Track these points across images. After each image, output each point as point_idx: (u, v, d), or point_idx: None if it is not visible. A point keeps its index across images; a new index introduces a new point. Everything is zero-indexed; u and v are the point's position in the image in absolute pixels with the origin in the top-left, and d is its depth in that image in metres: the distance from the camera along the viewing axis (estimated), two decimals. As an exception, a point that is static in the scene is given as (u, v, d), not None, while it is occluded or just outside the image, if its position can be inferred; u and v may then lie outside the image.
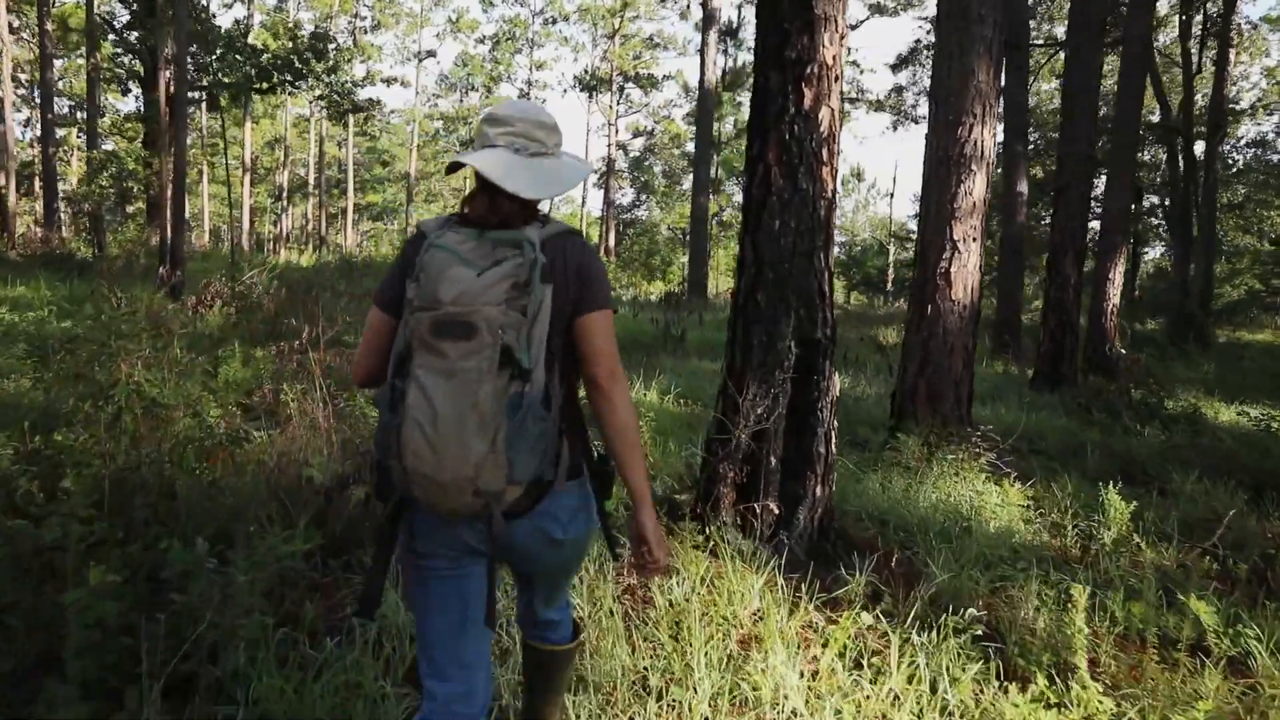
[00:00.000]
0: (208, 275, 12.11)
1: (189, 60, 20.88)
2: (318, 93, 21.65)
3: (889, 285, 39.53)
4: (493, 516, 1.61)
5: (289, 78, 21.56)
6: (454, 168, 1.89)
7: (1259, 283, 39.91)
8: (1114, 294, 10.81)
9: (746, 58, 29.51)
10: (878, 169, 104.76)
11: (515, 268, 1.60)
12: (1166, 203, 20.98)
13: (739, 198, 33.03)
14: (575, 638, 2.21)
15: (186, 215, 15.68)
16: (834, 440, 4.03)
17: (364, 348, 1.83)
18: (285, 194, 42.38)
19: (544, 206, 1.88)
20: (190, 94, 22.28)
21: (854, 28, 32.63)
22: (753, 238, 3.89)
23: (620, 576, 3.36)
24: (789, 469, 3.96)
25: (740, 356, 3.95)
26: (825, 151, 3.80)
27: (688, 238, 42.89)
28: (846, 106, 35.98)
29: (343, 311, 9.97)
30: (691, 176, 43.17)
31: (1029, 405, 8.35)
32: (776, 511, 3.93)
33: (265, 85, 21.84)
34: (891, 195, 51.22)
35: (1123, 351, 11.40)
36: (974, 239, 6.16)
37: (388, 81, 21.79)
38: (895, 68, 19.63)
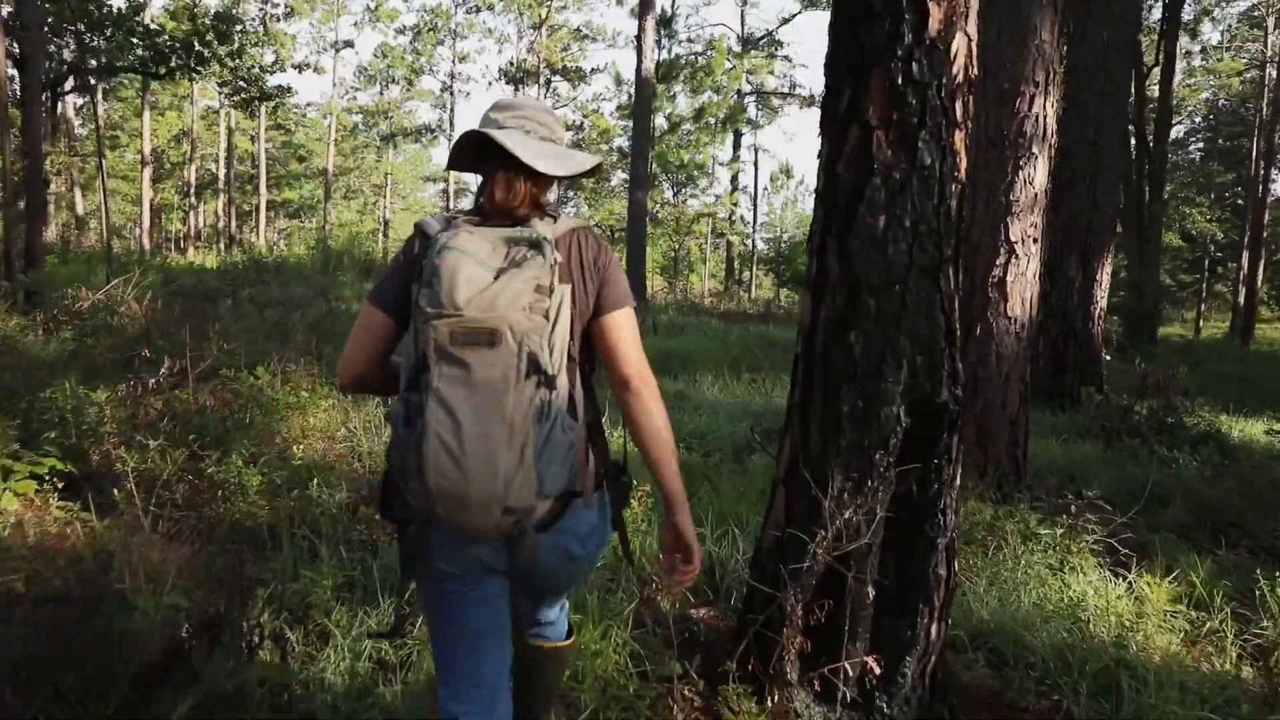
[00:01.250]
0: (81, 283, 10.14)
1: (66, 41, 18.58)
2: (221, 79, 19.42)
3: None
4: (524, 534, 1.49)
5: (189, 62, 19.37)
6: (456, 159, 1.74)
7: (1168, 278, 40.73)
8: (1101, 298, 9.72)
9: (680, 50, 28.15)
10: (806, 167, 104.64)
11: (536, 269, 1.49)
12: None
13: (673, 195, 31.64)
14: (569, 637, 2.11)
15: (50, 209, 13.50)
16: (956, 555, 2.59)
17: (355, 348, 1.67)
18: (193, 190, 39.39)
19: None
20: (76, 80, 19.92)
21: (786, 21, 31.59)
22: (840, 245, 2.42)
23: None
24: (890, 601, 2.53)
25: (818, 431, 2.49)
26: (958, 108, 2.36)
27: (620, 236, 41.62)
28: (776, 102, 35.10)
29: (246, 326, 8.21)
30: (627, 172, 41.95)
31: (1043, 429, 7.13)
32: (876, 670, 2.48)
33: (163, 70, 19.63)
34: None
35: (1108, 359, 10.34)
36: (1034, 239, 4.84)
37: (299, 68, 19.74)
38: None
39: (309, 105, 46.31)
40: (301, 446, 4.61)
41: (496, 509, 1.45)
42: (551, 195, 1.78)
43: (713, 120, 27.45)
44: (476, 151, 1.71)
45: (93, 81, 16.04)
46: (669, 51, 26.77)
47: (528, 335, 1.46)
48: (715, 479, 4.59)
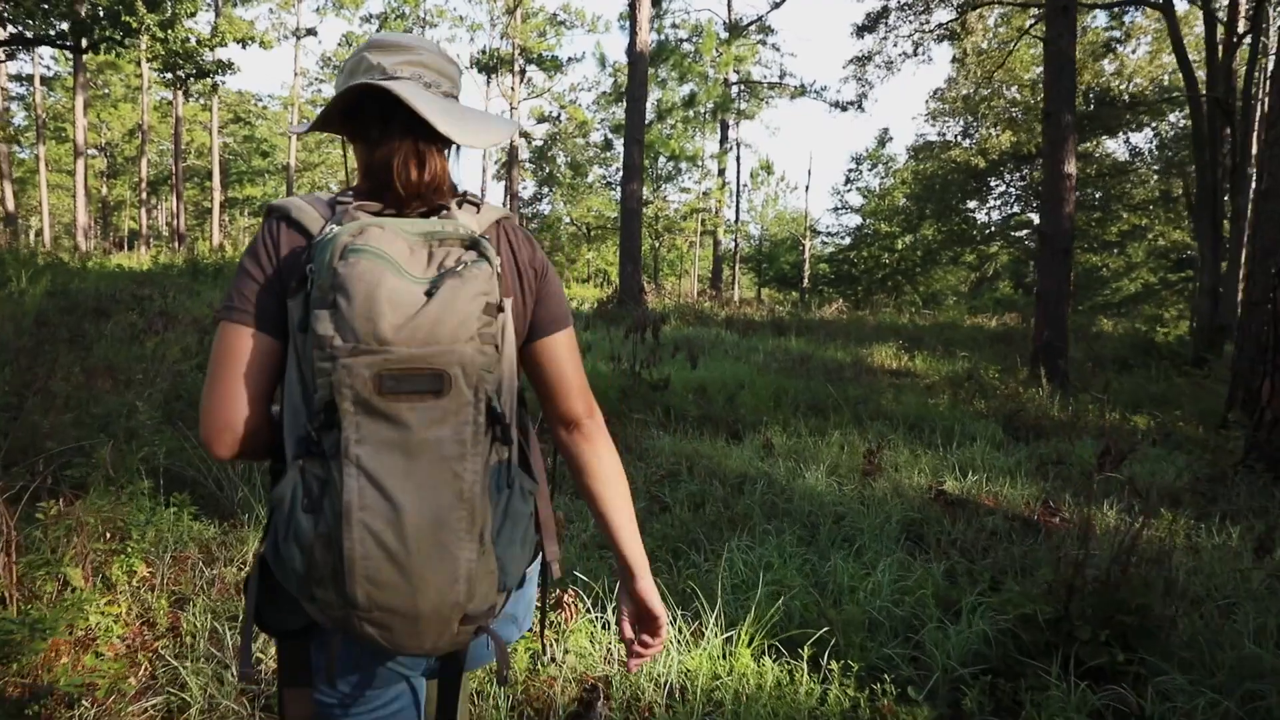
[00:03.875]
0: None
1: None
2: (152, 53, 16.41)
3: (805, 282, 36.36)
4: (487, 635, 1.09)
5: (115, 34, 16.35)
6: (330, 117, 1.20)
7: (1153, 277, 38.69)
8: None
9: (665, 35, 25.42)
10: (787, 163, 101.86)
11: (485, 280, 1.03)
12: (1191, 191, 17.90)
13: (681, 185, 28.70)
14: None
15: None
16: None
17: (226, 392, 1.08)
18: (144, 186, 35.96)
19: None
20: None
21: (776, 6, 28.98)
22: None
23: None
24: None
25: None
26: None
27: (598, 235, 38.94)
28: (766, 92, 32.53)
29: (106, 363, 5.49)
30: (603, 167, 39.25)
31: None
32: None
33: (84, 43, 16.63)
34: (807, 188, 47.99)
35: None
36: None
37: (242, 42, 16.69)
38: (862, 31, 15.75)
39: (270, 97, 43.22)
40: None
41: (454, 620, 1.01)
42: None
43: (702, 109, 24.77)
44: (349, 110, 1.19)
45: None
46: (657, 34, 23.97)
47: (483, 376, 1.02)
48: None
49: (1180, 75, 14.19)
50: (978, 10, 14.48)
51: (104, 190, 44.25)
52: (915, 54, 15.25)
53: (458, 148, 1.22)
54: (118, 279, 13.76)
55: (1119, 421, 7.49)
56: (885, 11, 15.48)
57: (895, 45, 16.41)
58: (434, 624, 1.01)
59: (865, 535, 3.81)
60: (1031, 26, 16.03)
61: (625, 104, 16.40)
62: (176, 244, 29.67)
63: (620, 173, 38.28)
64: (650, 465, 5.11)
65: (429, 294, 1.00)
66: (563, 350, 1.28)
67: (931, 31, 15.63)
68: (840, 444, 5.75)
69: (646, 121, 25.35)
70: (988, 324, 20.91)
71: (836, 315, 21.75)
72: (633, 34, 15.49)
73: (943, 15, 15.23)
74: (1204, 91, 13.16)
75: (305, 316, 1.02)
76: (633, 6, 15.51)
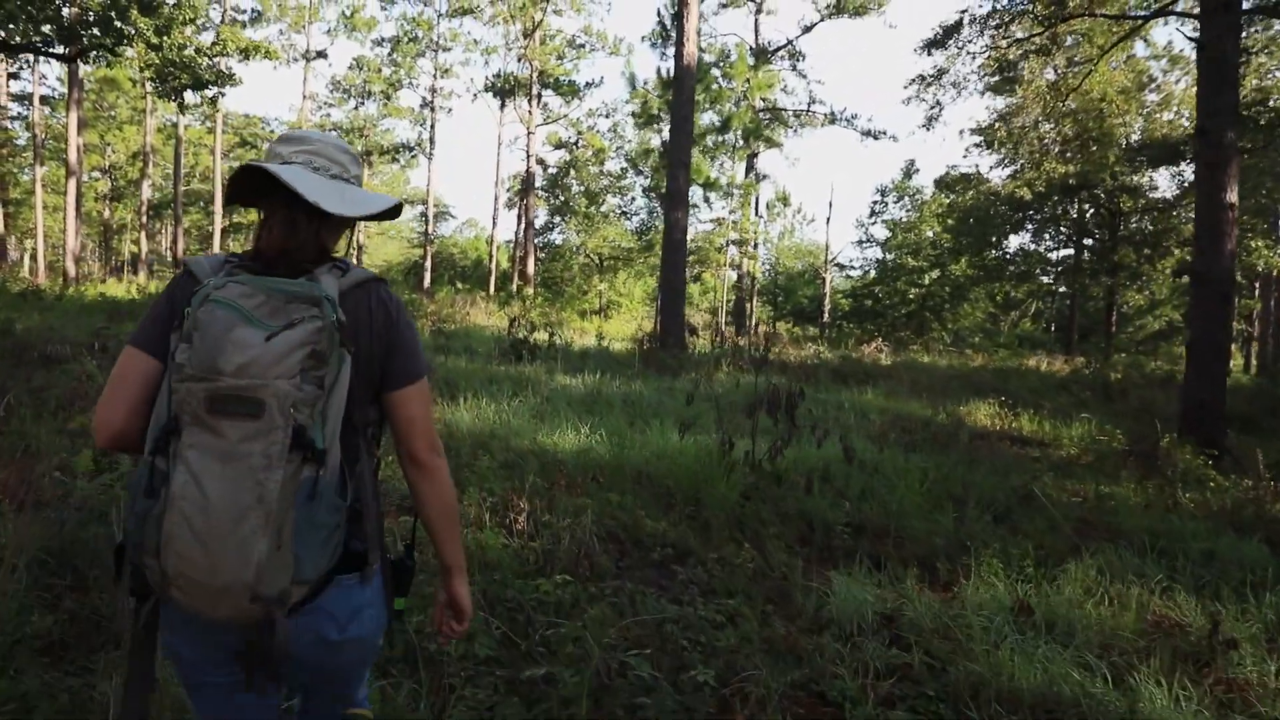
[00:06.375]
0: None
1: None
2: (145, 61, 14.59)
3: (825, 317, 34.49)
4: (274, 624, 1.24)
5: (106, 40, 14.57)
6: (234, 195, 1.47)
7: (1178, 314, 36.72)
8: None
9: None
10: (805, 194, 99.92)
11: (312, 333, 1.26)
12: None
13: (707, 214, 26.47)
14: None
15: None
16: None
17: (112, 397, 1.38)
18: (145, 209, 34.14)
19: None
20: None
21: (807, 30, 27.34)
22: None
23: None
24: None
25: None
26: None
27: (610, 265, 37.04)
28: (792, 120, 30.83)
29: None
30: (617, 196, 37.42)
31: None
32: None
33: (69, 50, 14.85)
34: (828, 220, 46.24)
35: None
36: None
37: (246, 53, 14.86)
38: (930, 47, 13.94)
39: (278, 120, 41.48)
40: None
41: (244, 596, 1.21)
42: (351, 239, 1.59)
43: (734, 136, 22.99)
44: (258, 188, 1.45)
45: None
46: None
47: (296, 406, 1.23)
48: None
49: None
50: (1068, 23, 12.67)
51: (106, 213, 42.37)
52: (1000, 72, 13.55)
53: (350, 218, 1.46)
54: (94, 312, 11.79)
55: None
56: (958, 25, 13.68)
57: (964, 64, 14.63)
58: (226, 597, 1.20)
59: None
60: (1119, 41, 14.26)
61: (670, 123, 14.57)
62: (152, 271, 27.79)
63: (634, 200, 36.63)
64: (851, 651, 3.10)
65: (269, 339, 1.23)
66: (410, 400, 1.47)
67: (1007, 48, 13.86)
68: (1089, 586, 3.76)
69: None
70: (1046, 367, 19.02)
71: (876, 355, 19.85)
72: (679, 46, 13.67)
73: (1021, 31, 13.45)
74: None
75: (175, 346, 1.28)
76: (679, 16, 13.70)
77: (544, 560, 3.64)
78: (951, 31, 13.82)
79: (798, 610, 3.46)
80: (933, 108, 14.53)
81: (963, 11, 13.58)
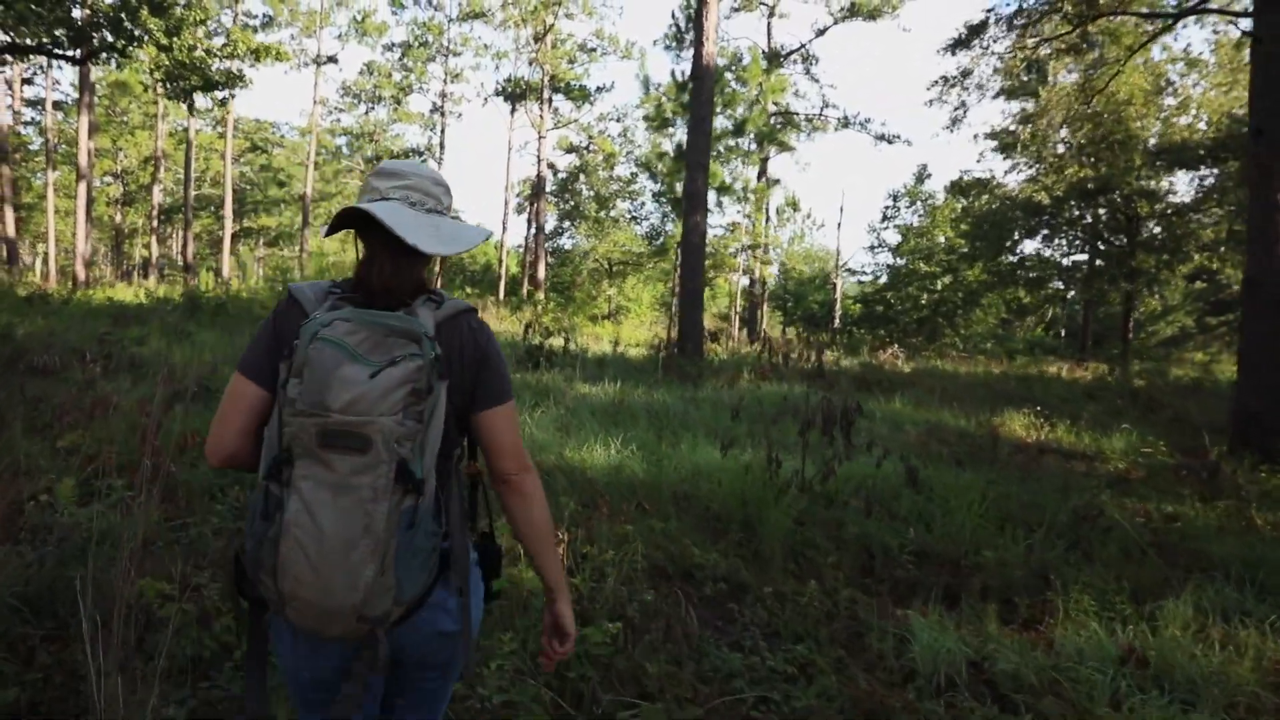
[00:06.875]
0: None
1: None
2: (155, 63, 14.28)
3: (836, 322, 34.07)
4: (378, 640, 1.32)
5: (117, 41, 14.28)
6: (337, 227, 1.50)
7: (1190, 320, 36.10)
8: None
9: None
10: (816, 199, 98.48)
11: (413, 371, 1.31)
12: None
13: (718, 219, 26.02)
14: None
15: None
16: None
17: (223, 422, 1.45)
18: (156, 214, 33.87)
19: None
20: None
21: (820, 34, 26.95)
22: None
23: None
24: None
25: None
26: None
27: (619, 270, 36.63)
28: (805, 125, 30.42)
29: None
30: (627, 201, 37.02)
31: None
32: None
33: (79, 52, 14.56)
34: (839, 225, 45.72)
35: None
36: None
37: (256, 54, 14.52)
38: (955, 46, 13.52)
39: (289, 125, 41.30)
40: None
41: (352, 617, 1.30)
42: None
43: (748, 139, 22.59)
44: (358, 222, 1.50)
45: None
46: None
47: (399, 441, 1.30)
48: None
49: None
50: (1099, 21, 12.23)
51: (118, 217, 42.15)
52: (1030, 73, 13.13)
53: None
54: (99, 316, 11.44)
55: None
56: (984, 25, 13.26)
57: (988, 65, 14.21)
58: (337, 618, 1.28)
59: None
60: (1150, 39, 13.82)
61: (688, 124, 14.17)
62: (188, 274, 27.52)
63: (644, 205, 36.22)
64: (948, 712, 2.68)
65: (373, 376, 1.28)
66: (499, 421, 1.52)
67: (1035, 48, 13.42)
68: (1191, 625, 3.34)
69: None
70: (1068, 374, 18.52)
71: (894, 362, 19.36)
72: (698, 45, 13.29)
73: (1049, 29, 13.02)
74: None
75: (286, 378, 1.32)
76: (699, 14, 13.32)
77: (588, 599, 3.23)
78: (977, 31, 13.40)
79: (875, 657, 3.05)
80: (957, 109, 14.13)
81: (989, 10, 13.16)
